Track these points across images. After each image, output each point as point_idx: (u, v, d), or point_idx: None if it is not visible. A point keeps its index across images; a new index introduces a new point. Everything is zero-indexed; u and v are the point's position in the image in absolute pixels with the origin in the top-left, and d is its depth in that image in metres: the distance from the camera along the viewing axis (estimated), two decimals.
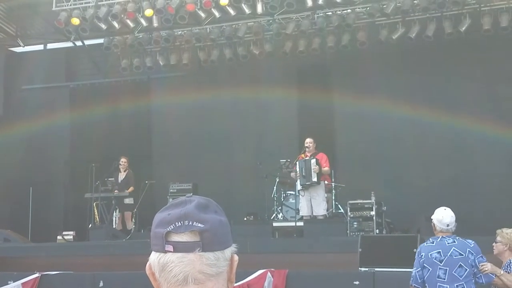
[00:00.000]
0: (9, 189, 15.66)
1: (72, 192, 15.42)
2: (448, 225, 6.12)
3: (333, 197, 12.33)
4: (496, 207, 12.32)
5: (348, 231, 11.33)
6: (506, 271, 6.32)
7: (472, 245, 6.06)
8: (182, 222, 1.43)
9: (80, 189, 14.23)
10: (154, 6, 13.32)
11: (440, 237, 6.14)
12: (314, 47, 13.52)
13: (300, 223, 11.62)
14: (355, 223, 11.34)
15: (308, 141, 12.06)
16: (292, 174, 12.15)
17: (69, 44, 15.93)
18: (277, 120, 14.53)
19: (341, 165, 13.34)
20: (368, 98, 13.99)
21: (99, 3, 13.70)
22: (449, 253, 5.98)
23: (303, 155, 12.01)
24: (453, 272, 5.93)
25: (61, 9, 13.86)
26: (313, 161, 11.64)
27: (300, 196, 11.92)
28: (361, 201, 11.53)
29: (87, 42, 15.59)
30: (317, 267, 9.89)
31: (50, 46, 16.92)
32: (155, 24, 13.95)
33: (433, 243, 6.13)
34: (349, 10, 13.37)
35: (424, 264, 6.05)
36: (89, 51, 15.90)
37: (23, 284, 10.37)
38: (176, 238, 1.43)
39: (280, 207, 12.67)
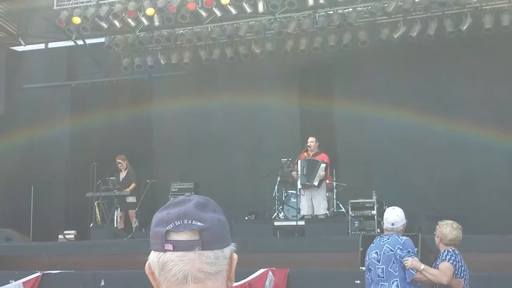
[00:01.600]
0: (10, 188, 15.67)
1: (73, 191, 15.42)
2: (393, 224, 6.20)
3: (334, 196, 12.32)
4: (497, 206, 12.32)
5: (349, 230, 11.34)
6: (437, 263, 6.26)
7: (403, 241, 6.07)
8: (181, 221, 1.44)
9: (81, 188, 14.22)
10: (155, 5, 13.32)
11: (379, 236, 6.23)
12: (316, 46, 13.51)
13: (302, 222, 11.62)
14: (356, 222, 11.35)
15: (310, 140, 12.05)
16: (293, 173, 12.13)
17: (70, 43, 15.93)
18: (278, 119, 14.53)
19: (343, 164, 13.33)
20: (370, 97, 13.98)
21: (100, 2, 13.70)
22: (383, 251, 6.07)
23: (305, 154, 12.00)
24: (389, 269, 6.02)
25: (62, 8, 13.86)
26: (323, 166, 11.56)
27: (300, 195, 11.92)
28: (362, 200, 11.55)
29: (88, 41, 15.59)
30: (318, 266, 9.89)
31: (51, 45, 16.92)
32: (156, 23, 13.94)
33: (373, 244, 6.25)
34: (350, 9, 13.35)
35: (369, 266, 6.17)
36: (90, 50, 15.89)
37: (24, 283, 10.38)
38: (175, 237, 1.44)
39: (281, 206, 12.66)
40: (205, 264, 1.43)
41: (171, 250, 1.43)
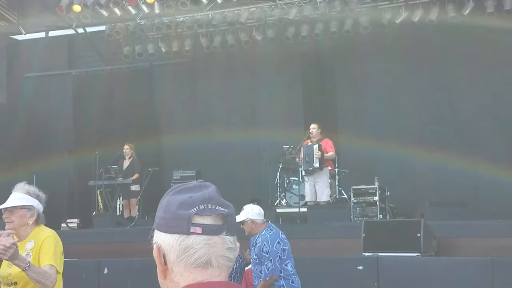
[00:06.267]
0: (12, 176, 15.66)
1: (76, 179, 15.44)
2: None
3: (337, 183, 12.33)
4: (502, 190, 12.28)
5: (351, 216, 11.35)
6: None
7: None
8: (205, 205, 1.45)
9: (83, 176, 14.24)
10: None
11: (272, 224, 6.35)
12: (317, 32, 13.45)
13: (304, 209, 11.64)
14: (359, 208, 11.35)
15: (312, 127, 12.06)
16: (297, 159, 12.18)
17: (70, 31, 15.89)
18: (280, 105, 14.49)
19: (345, 150, 13.32)
20: (372, 82, 13.96)
21: None
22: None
23: (308, 141, 12.00)
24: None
25: None
26: (316, 146, 11.65)
27: (304, 182, 11.94)
28: (364, 186, 11.54)
29: (88, 29, 15.54)
30: (321, 252, 9.90)
31: (51, 33, 16.86)
32: (157, 11, 13.89)
33: (275, 231, 6.25)
34: None
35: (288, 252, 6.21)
36: (91, 39, 15.86)
37: None
38: (201, 220, 1.44)
39: (283, 193, 12.68)
40: (226, 250, 1.46)
41: (198, 233, 1.43)
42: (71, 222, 13.42)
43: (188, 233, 1.43)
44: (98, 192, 13.40)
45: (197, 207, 1.44)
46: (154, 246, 1.49)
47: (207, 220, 1.44)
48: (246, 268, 9.00)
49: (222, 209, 1.46)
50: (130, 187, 13.27)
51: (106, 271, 9.93)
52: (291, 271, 6.12)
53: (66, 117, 16.11)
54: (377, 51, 13.90)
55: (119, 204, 13.71)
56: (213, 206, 1.46)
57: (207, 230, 1.44)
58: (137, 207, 13.26)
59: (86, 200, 14.14)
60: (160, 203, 1.51)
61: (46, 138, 15.95)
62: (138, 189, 13.25)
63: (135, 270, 9.59)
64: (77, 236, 12.53)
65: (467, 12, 12.49)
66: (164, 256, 1.47)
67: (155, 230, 1.50)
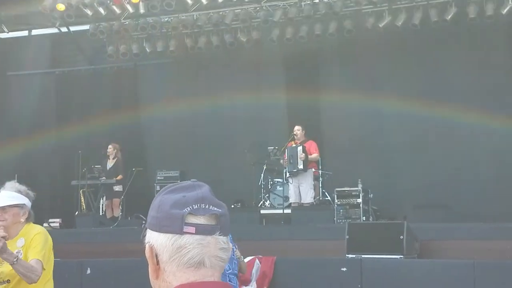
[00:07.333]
0: None
1: (58, 179, 15.32)
2: None
3: (320, 185, 12.37)
4: (484, 193, 12.38)
5: (335, 218, 11.39)
6: None
7: None
8: (199, 205, 1.45)
9: (66, 176, 14.15)
10: None
11: None
12: (301, 35, 13.50)
13: (288, 210, 11.67)
14: (342, 210, 11.41)
15: (296, 129, 12.11)
16: (281, 161, 12.22)
17: (54, 30, 15.79)
18: (264, 107, 14.50)
19: (328, 152, 13.37)
20: (356, 85, 14.00)
21: None
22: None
23: (292, 142, 12.05)
24: None
25: None
26: (300, 148, 11.69)
27: (288, 183, 11.97)
28: (348, 188, 11.59)
29: (72, 28, 15.46)
30: (305, 253, 9.93)
31: (35, 32, 16.73)
32: (142, 11, 13.85)
33: None
34: None
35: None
36: (75, 38, 15.76)
37: None
38: (194, 220, 1.44)
39: (267, 195, 12.70)
40: (219, 250, 1.46)
41: (192, 233, 1.43)
42: (53, 222, 13.33)
43: (181, 232, 1.43)
44: (81, 191, 13.32)
45: (190, 207, 1.44)
46: (147, 246, 1.48)
47: (201, 220, 1.44)
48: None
49: (215, 209, 1.46)
50: (113, 187, 13.21)
51: (89, 271, 9.89)
52: (228, 270, 6.13)
53: (49, 116, 15.99)
54: (361, 53, 13.96)
55: (102, 204, 13.65)
56: (207, 206, 1.45)
57: (201, 230, 1.44)
58: (120, 207, 13.21)
59: (68, 199, 14.04)
60: (152, 202, 1.51)
61: (29, 137, 15.81)
62: (121, 189, 13.19)
63: (118, 270, 9.56)
64: (60, 236, 12.38)
65: (449, 17, 12.60)
66: (156, 255, 1.46)
67: (148, 230, 1.50)
